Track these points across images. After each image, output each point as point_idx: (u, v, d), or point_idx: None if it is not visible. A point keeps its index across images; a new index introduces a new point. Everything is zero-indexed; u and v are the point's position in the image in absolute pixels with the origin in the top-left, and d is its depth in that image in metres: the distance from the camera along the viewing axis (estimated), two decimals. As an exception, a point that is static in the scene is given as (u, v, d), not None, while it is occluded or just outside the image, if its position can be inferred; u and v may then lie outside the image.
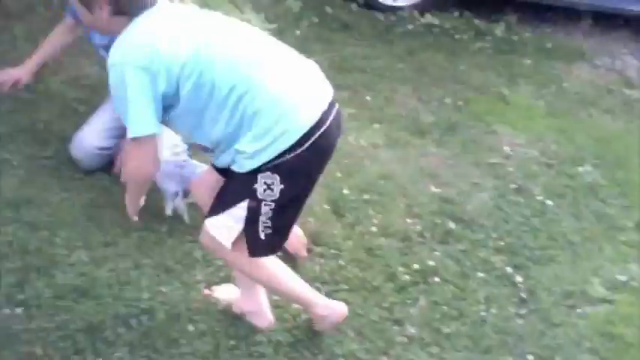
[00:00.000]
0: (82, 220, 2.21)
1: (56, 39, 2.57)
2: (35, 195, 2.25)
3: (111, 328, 1.88)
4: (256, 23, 3.31)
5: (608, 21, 4.49)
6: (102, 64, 2.00)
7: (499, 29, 4.33)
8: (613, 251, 2.65)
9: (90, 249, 2.11)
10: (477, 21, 4.39)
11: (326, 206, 2.60)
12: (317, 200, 2.61)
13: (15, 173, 2.34)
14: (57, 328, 1.85)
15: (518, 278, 2.48)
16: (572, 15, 4.45)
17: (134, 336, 1.88)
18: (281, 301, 2.11)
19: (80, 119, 2.50)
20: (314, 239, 2.43)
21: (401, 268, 2.42)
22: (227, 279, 2.16)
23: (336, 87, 3.36)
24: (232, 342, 1.96)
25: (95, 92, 2.70)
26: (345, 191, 2.71)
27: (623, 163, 3.17)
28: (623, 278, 2.53)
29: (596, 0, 4.35)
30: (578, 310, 2.38)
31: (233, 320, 2.01)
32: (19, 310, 1.87)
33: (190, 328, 1.96)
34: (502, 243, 2.63)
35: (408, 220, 2.65)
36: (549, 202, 2.86)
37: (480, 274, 2.47)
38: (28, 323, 1.84)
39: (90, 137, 2.37)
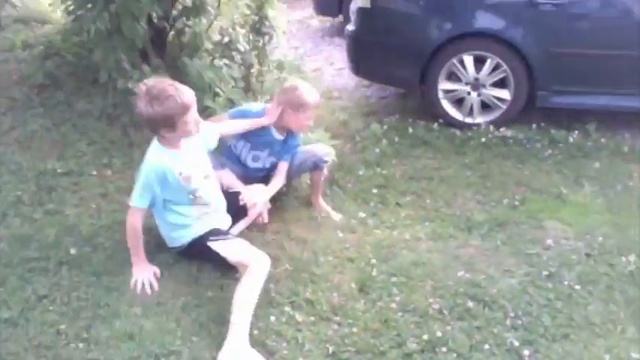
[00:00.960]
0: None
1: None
2: (115, 268, 3.00)
3: None
4: (323, 139, 3.98)
5: (617, 120, 4.48)
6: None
7: (573, 136, 4.52)
8: (637, 332, 2.66)
9: (145, 306, 2.75)
10: (553, 130, 4.63)
11: (353, 285, 2.99)
12: (345, 279, 3.02)
13: (105, 252, 3.13)
14: (105, 359, 2.49)
15: (526, 352, 2.61)
16: (580, 117, 4.53)
17: (161, 369, 2.42)
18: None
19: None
20: (334, 310, 2.82)
21: (411, 338, 2.69)
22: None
23: (401, 193, 3.95)
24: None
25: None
26: (374, 273, 3.08)
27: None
28: (637, 357, 2.52)
29: (611, 100, 4.42)
30: (581, 384, 2.44)
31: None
32: (81, 345, 2.56)
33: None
34: (519, 322, 2.78)
35: (430, 300, 2.92)
36: (577, 287, 2.95)
37: (488, 347, 2.64)
38: (86, 354, 2.50)
39: None
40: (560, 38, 4.45)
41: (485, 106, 4.77)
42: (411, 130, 4.80)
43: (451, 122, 4.82)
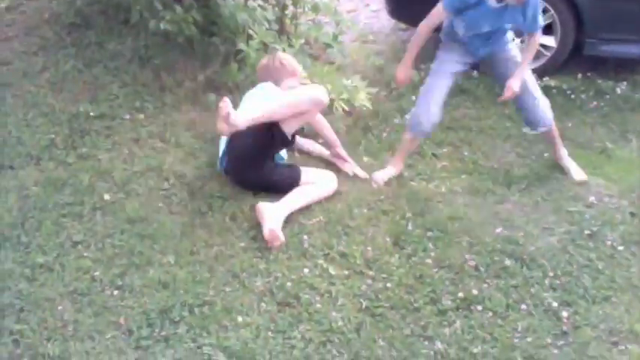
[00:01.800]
0: (178, 234, 2.87)
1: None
2: (148, 215, 2.98)
3: (177, 312, 2.47)
4: (360, 88, 3.85)
5: None
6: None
7: (621, 88, 4.31)
8: (681, 297, 2.58)
9: (178, 255, 2.75)
10: (599, 81, 4.41)
11: (387, 238, 2.93)
12: (380, 233, 2.97)
13: (138, 199, 3.10)
14: (139, 306, 2.50)
15: (564, 313, 2.55)
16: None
17: (194, 319, 2.43)
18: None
19: (198, 162, 3.21)
20: (368, 264, 2.78)
21: (446, 295, 2.65)
22: (282, 287, 2.61)
23: (437, 143, 3.84)
24: (270, 334, 2.40)
25: (213, 143, 3.43)
26: (410, 227, 3.02)
27: None
28: (681, 323, 2.45)
29: None
30: (621, 347, 2.39)
31: (273, 316, 2.45)
32: (116, 292, 2.57)
33: (239, 319, 2.44)
34: (558, 282, 2.71)
35: (466, 256, 2.86)
36: (620, 248, 2.86)
37: (525, 307, 2.58)
38: (120, 302, 2.52)
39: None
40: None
41: (530, 54, 4.55)
42: (449, 77, 4.62)
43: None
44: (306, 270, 2.72)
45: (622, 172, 3.46)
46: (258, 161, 3.08)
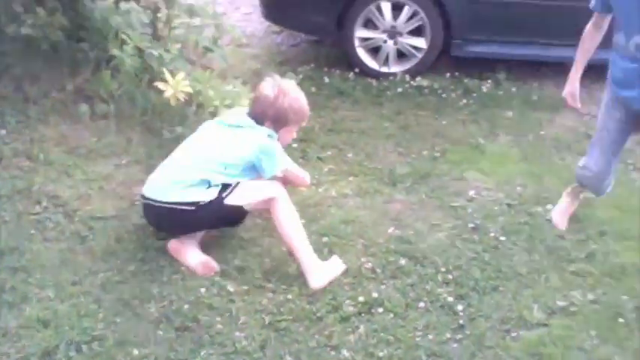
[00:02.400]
0: (56, 263, 2.63)
1: (589, 42, 2.82)
2: (19, 244, 2.71)
3: (63, 352, 2.25)
4: (243, 93, 3.77)
5: (596, 71, 4.63)
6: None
7: (486, 86, 4.58)
8: (558, 280, 2.77)
9: (58, 287, 2.51)
10: (466, 80, 4.65)
11: (284, 248, 2.88)
12: (275, 243, 2.91)
13: (6, 227, 2.81)
14: (16, 352, 2.25)
15: (459, 307, 2.64)
16: (559, 69, 4.64)
17: (83, 358, 2.22)
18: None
19: (73, 181, 2.96)
20: (267, 277, 2.72)
21: (347, 301, 2.65)
22: (179, 311, 2.48)
23: (321, 147, 3.85)
24: (172, 362, 2.26)
25: (88, 158, 3.18)
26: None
27: (586, 201, 3.27)
28: (562, 304, 2.64)
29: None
30: (513, 334, 2.51)
31: (172, 344, 2.31)
32: None
33: (135, 352, 2.27)
34: (450, 276, 2.81)
35: (363, 259, 2.89)
36: (503, 239, 3.02)
37: (423, 304, 2.65)
38: None
39: None
40: (477, -14, 4.43)
41: (401, 55, 4.71)
42: (327, 79, 4.66)
43: (367, 72, 4.72)
44: (202, 290, 2.60)
45: (495, 165, 3.67)
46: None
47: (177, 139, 3.56)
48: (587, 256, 2.90)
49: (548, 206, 3.26)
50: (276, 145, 2.81)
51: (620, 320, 2.53)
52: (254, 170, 2.77)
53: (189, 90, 3.48)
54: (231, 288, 2.63)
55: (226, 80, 4.01)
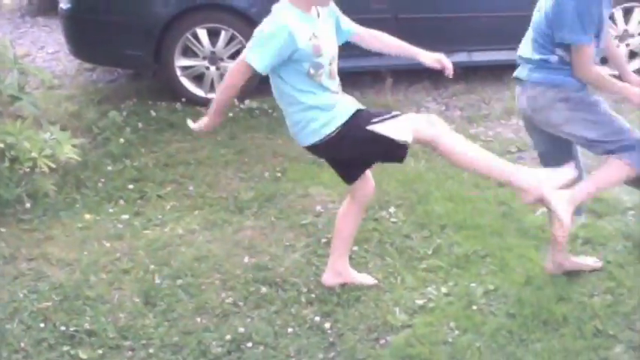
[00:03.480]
0: None
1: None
2: None
3: None
4: (63, 140, 3.48)
5: (411, 76, 4.97)
6: None
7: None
8: (413, 279, 2.88)
9: None
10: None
11: (137, 299, 2.70)
12: (127, 296, 2.71)
13: None
14: None
15: (327, 325, 2.64)
16: (377, 77, 4.90)
17: None
18: None
19: None
20: (123, 334, 2.51)
21: (214, 342, 2.53)
22: None
23: (160, 184, 3.67)
24: None
25: None
26: (158, 281, 2.83)
27: (423, 199, 3.47)
28: (421, 302, 2.74)
29: (393, 60, 4.81)
30: (382, 341, 2.56)
31: None
32: None
33: None
34: (313, 295, 2.80)
35: (223, 295, 2.79)
36: (355, 248, 3.08)
37: (291, 330, 2.61)
38: None
39: None
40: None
41: (226, 80, 4.67)
42: (153, 113, 4.49)
43: (194, 100, 4.62)
44: (51, 364, 2.34)
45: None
46: None
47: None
48: (434, 251, 3.06)
49: (391, 209, 3.41)
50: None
51: (474, 307, 2.68)
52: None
53: (-1, 145, 3.14)
54: (83, 355, 2.39)
55: (42, 128, 3.68)
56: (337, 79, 2.54)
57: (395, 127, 2.42)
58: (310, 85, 2.44)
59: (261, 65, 2.35)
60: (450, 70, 2.70)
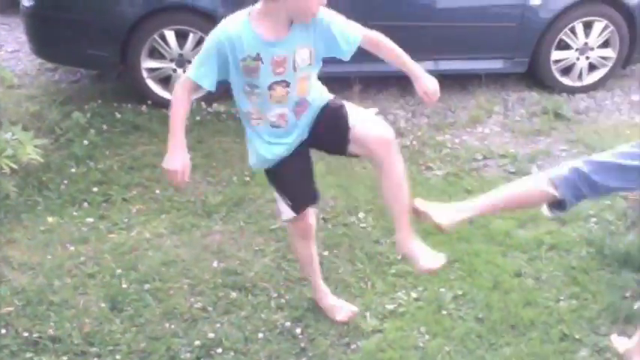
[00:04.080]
0: None
1: None
2: None
3: None
4: (25, 140, 3.37)
5: (378, 83, 5.01)
6: None
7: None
8: (383, 284, 2.90)
9: None
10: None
11: (103, 304, 2.64)
12: (93, 300, 2.65)
13: None
14: None
15: (298, 330, 2.63)
16: (345, 83, 4.91)
17: None
18: None
19: None
20: (89, 340, 2.45)
21: (183, 348, 2.49)
22: None
23: (125, 187, 3.59)
24: None
25: None
26: (125, 285, 2.77)
27: (392, 204, 3.49)
28: (391, 307, 2.76)
29: (361, 66, 4.84)
30: (353, 346, 2.57)
31: None
32: None
33: None
34: (283, 300, 2.79)
35: (191, 299, 2.75)
36: (326, 253, 3.09)
37: (262, 335, 2.59)
38: None
39: None
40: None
41: (193, 83, 4.61)
42: (118, 115, 4.39)
43: (160, 102, 4.51)
44: (11, 371, 2.27)
45: None
46: None
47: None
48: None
49: (360, 214, 3.42)
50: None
51: (444, 312, 2.71)
52: None
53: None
54: (48, 362, 2.33)
55: (2, 128, 3.56)
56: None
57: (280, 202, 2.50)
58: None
59: None
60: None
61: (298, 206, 2.48)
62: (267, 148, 2.42)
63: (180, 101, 2.28)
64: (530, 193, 2.26)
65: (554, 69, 4.95)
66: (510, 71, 4.99)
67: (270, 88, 2.27)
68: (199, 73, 2.24)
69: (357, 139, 2.34)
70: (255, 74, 2.24)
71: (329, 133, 2.41)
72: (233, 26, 2.21)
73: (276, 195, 2.53)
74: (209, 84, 2.24)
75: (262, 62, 2.22)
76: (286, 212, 2.50)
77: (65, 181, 3.57)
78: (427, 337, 2.59)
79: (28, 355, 2.34)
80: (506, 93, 4.94)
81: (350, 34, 2.34)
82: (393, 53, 2.47)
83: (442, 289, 2.85)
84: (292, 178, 2.48)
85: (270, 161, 2.44)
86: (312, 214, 2.61)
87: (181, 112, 2.29)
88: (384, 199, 2.44)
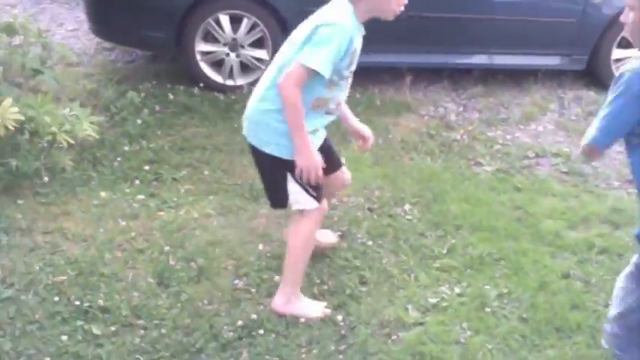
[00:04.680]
0: None
1: None
2: None
3: None
4: (82, 117, 3.47)
5: (431, 75, 4.95)
6: None
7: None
8: (427, 278, 2.88)
9: None
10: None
11: (151, 279, 2.70)
12: (141, 275, 2.71)
13: None
14: None
15: (339, 317, 2.64)
16: (396, 74, 4.88)
17: None
18: None
19: None
20: (136, 313, 2.51)
21: (225, 327, 2.53)
22: None
23: (175, 167, 3.66)
24: None
25: None
26: (172, 262, 2.82)
27: (439, 198, 3.46)
28: (434, 301, 2.74)
29: (413, 57, 4.80)
30: (394, 337, 2.56)
31: None
32: None
33: None
34: (325, 287, 2.80)
35: (236, 281, 2.79)
36: (370, 243, 3.08)
37: (303, 320, 2.61)
38: None
39: None
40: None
41: (245, 67, 4.65)
42: (171, 96, 4.46)
43: (212, 86, 4.59)
44: (64, 337, 2.34)
45: (351, 171, 3.67)
46: None
47: (11, 173, 3.21)
48: (448, 251, 3.05)
49: (406, 206, 3.39)
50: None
51: (487, 309, 2.68)
52: None
53: (20, 117, 3.11)
54: (97, 331, 2.40)
55: (61, 103, 3.68)
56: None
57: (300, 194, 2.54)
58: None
59: None
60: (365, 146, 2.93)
61: (320, 196, 2.58)
62: (316, 134, 2.55)
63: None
64: None
65: (615, 68, 4.80)
66: (568, 68, 4.87)
67: (348, 77, 2.52)
68: (328, 69, 2.34)
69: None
70: (353, 64, 2.47)
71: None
72: (349, 22, 2.39)
73: (293, 187, 2.53)
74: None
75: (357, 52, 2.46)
76: (309, 203, 2.54)
77: (118, 159, 3.66)
78: (469, 333, 2.57)
79: (79, 322, 2.42)
80: (563, 91, 4.82)
81: None
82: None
83: (487, 287, 2.81)
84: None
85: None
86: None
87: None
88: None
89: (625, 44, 4.79)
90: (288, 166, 2.48)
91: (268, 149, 2.52)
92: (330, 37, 2.31)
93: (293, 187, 2.53)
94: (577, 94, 4.77)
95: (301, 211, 2.57)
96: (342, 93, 2.57)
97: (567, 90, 4.82)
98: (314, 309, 2.63)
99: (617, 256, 3.02)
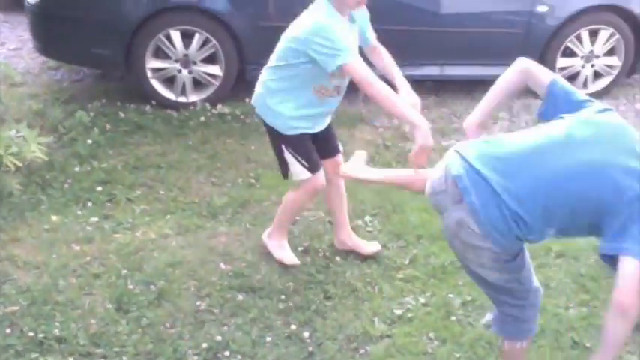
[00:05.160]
0: None
1: None
2: None
3: None
4: (30, 138, 3.35)
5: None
6: None
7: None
8: (391, 289, 2.87)
9: None
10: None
11: (109, 305, 2.60)
12: (99, 301, 2.62)
13: None
14: None
15: (306, 334, 2.61)
16: (349, 86, 4.89)
17: None
18: None
19: None
20: (94, 341, 2.41)
21: (190, 350, 2.46)
22: None
23: (129, 187, 3.56)
24: None
25: None
26: (131, 286, 2.73)
27: (399, 209, 3.47)
28: (399, 312, 2.73)
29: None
30: (361, 351, 2.54)
31: None
32: None
33: None
34: (290, 303, 2.76)
35: (198, 302, 2.72)
36: (333, 257, 3.06)
37: (269, 338, 2.56)
38: None
39: None
40: (269, 12, 4.48)
41: (198, 84, 4.59)
42: (122, 114, 4.36)
43: (164, 103, 4.51)
44: (18, 372, 2.23)
45: None
46: None
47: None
48: (411, 261, 3.05)
49: (367, 218, 3.39)
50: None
51: (452, 318, 2.69)
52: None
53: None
54: (53, 363, 2.29)
55: (7, 125, 3.54)
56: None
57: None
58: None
59: None
60: None
61: (313, 168, 2.81)
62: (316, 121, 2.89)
63: None
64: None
65: (559, 76, 4.95)
66: (515, 78, 4.99)
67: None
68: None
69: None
70: None
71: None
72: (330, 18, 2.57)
73: (289, 158, 2.79)
74: None
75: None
76: (302, 173, 2.81)
77: (69, 180, 3.54)
78: (436, 342, 2.57)
79: (34, 355, 2.30)
80: (512, 100, 4.94)
81: (370, 34, 2.86)
82: (390, 66, 2.91)
83: (450, 295, 2.83)
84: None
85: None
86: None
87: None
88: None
89: (569, 53, 4.97)
90: (281, 138, 2.76)
91: (267, 120, 2.78)
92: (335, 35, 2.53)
93: (289, 159, 2.79)
94: (525, 102, 4.88)
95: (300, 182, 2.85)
96: (344, 81, 2.79)
97: (516, 99, 4.94)
98: (289, 259, 2.96)
99: (573, 258, 3.08)
